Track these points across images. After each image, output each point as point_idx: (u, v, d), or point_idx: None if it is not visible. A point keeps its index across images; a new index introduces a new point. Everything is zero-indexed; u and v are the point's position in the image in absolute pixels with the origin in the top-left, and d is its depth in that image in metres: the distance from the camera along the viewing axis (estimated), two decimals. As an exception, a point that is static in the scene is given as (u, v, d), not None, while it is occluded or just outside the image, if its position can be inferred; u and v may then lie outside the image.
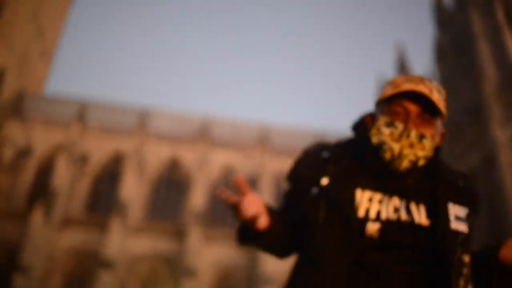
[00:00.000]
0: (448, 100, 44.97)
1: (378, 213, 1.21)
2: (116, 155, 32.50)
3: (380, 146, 1.26)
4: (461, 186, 1.28)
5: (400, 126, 1.24)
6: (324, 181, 1.25)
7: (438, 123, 1.31)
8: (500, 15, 40.20)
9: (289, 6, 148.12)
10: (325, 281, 1.14)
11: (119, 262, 25.27)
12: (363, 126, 1.38)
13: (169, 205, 32.12)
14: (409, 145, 1.22)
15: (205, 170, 31.39)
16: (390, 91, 1.27)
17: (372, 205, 1.22)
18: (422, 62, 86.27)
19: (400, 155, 1.22)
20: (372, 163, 1.27)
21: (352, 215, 1.19)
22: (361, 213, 1.21)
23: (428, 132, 1.25)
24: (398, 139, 1.23)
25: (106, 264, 24.63)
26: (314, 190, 1.26)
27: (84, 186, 30.46)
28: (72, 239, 26.20)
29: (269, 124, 39.58)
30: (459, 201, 1.23)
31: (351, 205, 1.20)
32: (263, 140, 33.70)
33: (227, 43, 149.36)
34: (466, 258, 1.13)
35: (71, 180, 29.07)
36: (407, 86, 1.24)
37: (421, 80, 1.27)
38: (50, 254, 25.34)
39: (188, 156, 33.44)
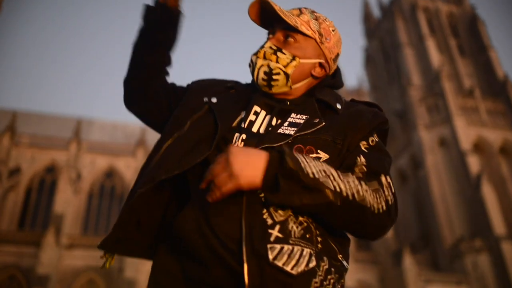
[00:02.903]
0: (379, 104, 46.76)
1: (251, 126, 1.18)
2: (50, 167, 31.65)
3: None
4: (334, 106, 1.22)
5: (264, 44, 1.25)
6: (214, 99, 1.25)
7: (315, 49, 1.24)
8: (423, 24, 42.17)
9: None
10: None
11: (54, 279, 24.65)
12: None
13: (107, 217, 31.66)
14: (263, 56, 1.21)
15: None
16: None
17: (256, 119, 1.20)
18: (354, 69, 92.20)
19: (255, 66, 1.21)
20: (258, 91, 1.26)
21: (226, 124, 1.18)
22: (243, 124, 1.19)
23: (291, 51, 1.21)
24: (256, 53, 1.23)
25: (40, 280, 23.98)
26: (204, 99, 1.27)
27: (15, 200, 29.43)
28: (4, 255, 25.25)
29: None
30: (305, 113, 1.18)
31: (231, 116, 1.20)
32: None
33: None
34: (287, 149, 1.06)
35: (1, 194, 28.01)
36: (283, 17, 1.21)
37: (299, 11, 1.25)
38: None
39: (126, 167, 33.09)
